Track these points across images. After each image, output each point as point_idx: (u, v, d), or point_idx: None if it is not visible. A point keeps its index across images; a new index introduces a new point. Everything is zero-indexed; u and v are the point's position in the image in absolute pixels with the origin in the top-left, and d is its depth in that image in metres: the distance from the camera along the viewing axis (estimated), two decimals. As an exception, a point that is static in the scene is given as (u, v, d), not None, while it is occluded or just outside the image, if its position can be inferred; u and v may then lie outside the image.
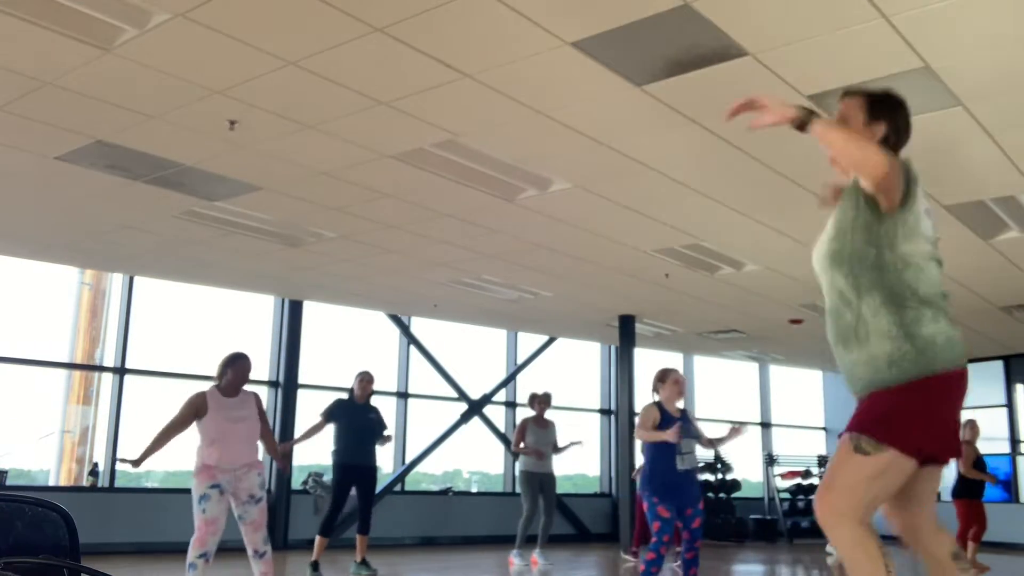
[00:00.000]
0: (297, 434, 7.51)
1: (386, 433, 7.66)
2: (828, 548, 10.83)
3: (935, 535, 2.71)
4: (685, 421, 5.88)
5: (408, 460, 11.92)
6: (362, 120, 5.37)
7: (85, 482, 9.65)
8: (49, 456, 10.32)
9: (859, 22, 4.12)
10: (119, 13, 4.17)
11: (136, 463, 5.20)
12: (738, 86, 4.79)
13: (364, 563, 7.52)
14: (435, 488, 12.65)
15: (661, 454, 5.77)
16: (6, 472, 8.78)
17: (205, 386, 5.52)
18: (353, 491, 7.51)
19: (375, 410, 7.68)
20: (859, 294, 2.61)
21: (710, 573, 9.29)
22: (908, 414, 2.55)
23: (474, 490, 13.28)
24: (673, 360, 14.96)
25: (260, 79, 4.82)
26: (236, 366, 5.43)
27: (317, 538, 7.40)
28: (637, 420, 6.20)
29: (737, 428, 6.40)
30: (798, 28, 4.23)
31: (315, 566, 7.28)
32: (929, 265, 2.60)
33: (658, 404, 5.94)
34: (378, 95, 5.04)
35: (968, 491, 9.10)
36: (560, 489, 11.30)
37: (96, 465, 9.58)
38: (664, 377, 6.02)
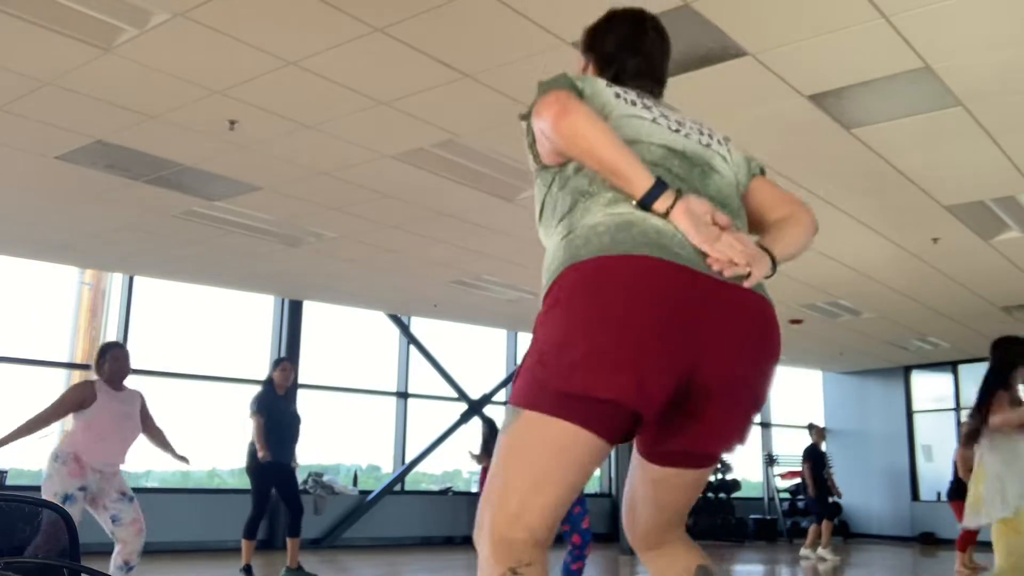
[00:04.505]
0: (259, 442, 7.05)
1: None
2: (803, 551, 10.78)
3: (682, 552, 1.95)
4: None
5: (408, 460, 11.93)
6: (362, 120, 5.37)
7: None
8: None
9: (859, 22, 4.12)
10: (119, 13, 4.17)
11: None
12: (738, 86, 4.80)
13: (299, 569, 7.12)
14: (435, 488, 12.66)
15: None
16: (6, 472, 8.77)
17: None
18: (275, 492, 7.27)
19: (294, 403, 7.37)
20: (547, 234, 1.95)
21: (710, 573, 9.28)
22: (549, 340, 1.66)
23: (474, 490, 13.28)
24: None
25: (260, 79, 4.82)
26: (112, 355, 5.19)
27: (244, 543, 7.04)
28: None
29: None
30: (798, 28, 4.23)
31: (248, 570, 6.93)
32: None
33: None
34: (378, 95, 5.04)
35: (962, 493, 8.88)
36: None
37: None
38: None
